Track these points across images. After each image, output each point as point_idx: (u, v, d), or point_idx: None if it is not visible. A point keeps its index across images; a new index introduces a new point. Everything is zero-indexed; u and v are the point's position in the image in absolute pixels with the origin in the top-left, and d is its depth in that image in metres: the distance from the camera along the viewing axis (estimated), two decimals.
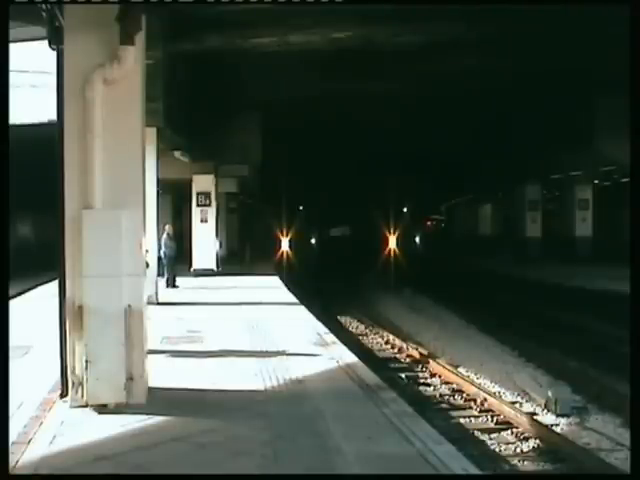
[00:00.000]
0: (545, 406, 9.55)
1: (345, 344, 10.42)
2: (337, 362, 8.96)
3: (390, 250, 34.04)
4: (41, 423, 6.26)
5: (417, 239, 55.71)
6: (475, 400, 9.93)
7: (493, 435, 8.57)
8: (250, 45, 14.59)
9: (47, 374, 7.65)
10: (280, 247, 34.80)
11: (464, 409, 9.73)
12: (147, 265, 13.51)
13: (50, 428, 6.11)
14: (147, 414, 6.43)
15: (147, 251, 14.05)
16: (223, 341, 10.52)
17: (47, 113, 12.87)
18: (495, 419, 9.11)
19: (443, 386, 11.04)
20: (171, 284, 18.62)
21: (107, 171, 6.69)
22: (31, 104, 15.85)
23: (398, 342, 14.46)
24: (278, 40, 14.21)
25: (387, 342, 14.97)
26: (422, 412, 7.35)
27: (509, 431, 8.66)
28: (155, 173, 14.65)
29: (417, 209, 52.33)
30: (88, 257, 6.56)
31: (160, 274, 17.03)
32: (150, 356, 7.37)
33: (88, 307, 6.53)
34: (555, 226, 33.74)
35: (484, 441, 8.39)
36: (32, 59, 13.77)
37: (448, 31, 13.79)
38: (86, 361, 6.50)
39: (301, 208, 49.86)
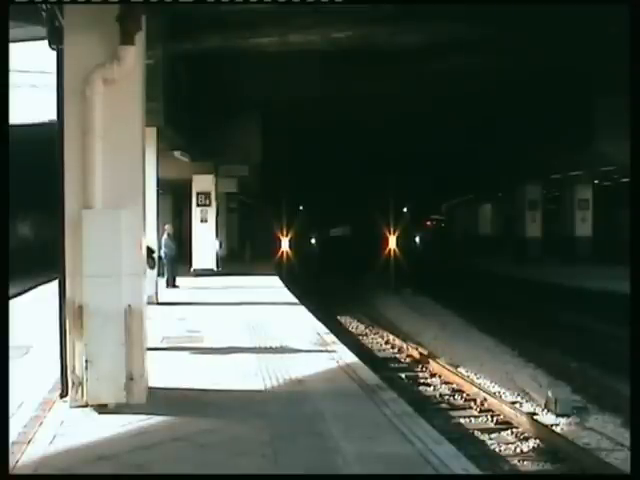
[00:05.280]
0: (545, 406, 9.55)
1: (345, 344, 10.42)
2: (337, 362, 8.96)
3: (390, 250, 34.04)
4: (41, 423, 6.25)
5: (417, 239, 55.74)
6: (475, 400, 9.93)
7: (493, 435, 8.57)
8: (250, 45, 14.59)
9: (47, 374, 7.65)
10: (280, 247, 34.82)
11: (464, 409, 9.73)
12: (153, 262, 13.61)
13: (50, 428, 6.10)
14: (147, 414, 6.43)
15: (153, 251, 14.31)
16: (223, 341, 10.52)
17: (47, 113, 12.86)
18: (495, 419, 9.11)
19: (443, 386, 11.04)
20: (171, 284, 18.64)
21: (107, 171, 6.69)
22: (31, 104, 15.84)
23: (398, 342, 14.46)
24: (278, 40, 14.21)
25: (387, 342, 14.97)
26: (422, 412, 7.34)
27: (509, 431, 8.66)
28: (155, 173, 14.67)
29: (417, 209, 52.32)
30: (88, 257, 6.55)
31: (160, 274, 17.03)
32: (150, 356, 7.36)
33: (88, 307, 6.53)
34: (555, 226, 33.75)
35: (484, 441, 8.39)
36: (32, 59, 13.76)
37: (448, 31, 13.79)
38: (86, 361, 6.50)
39: (301, 208, 49.89)
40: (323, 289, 24.74)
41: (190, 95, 17.78)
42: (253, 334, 11.19)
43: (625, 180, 26.70)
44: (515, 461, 7.71)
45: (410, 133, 27.51)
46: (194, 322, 12.55)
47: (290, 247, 35.32)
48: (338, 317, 18.73)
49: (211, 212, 24.07)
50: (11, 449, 5.30)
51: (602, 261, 27.09)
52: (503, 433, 8.64)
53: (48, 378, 7.53)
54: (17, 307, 12.99)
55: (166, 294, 16.60)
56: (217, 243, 24.47)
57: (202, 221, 24.00)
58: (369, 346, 14.81)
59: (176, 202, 32.22)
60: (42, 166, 8.72)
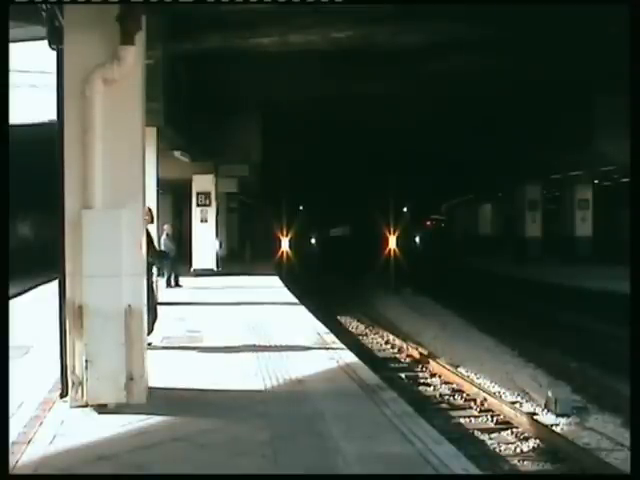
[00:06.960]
0: (545, 406, 9.55)
1: (345, 344, 10.41)
2: (337, 362, 8.95)
3: (390, 250, 34.05)
4: (41, 423, 6.24)
5: (417, 239, 55.78)
6: (475, 400, 9.93)
7: (493, 435, 8.57)
8: (250, 45, 14.58)
9: (47, 374, 7.64)
10: (280, 247, 34.84)
11: (464, 409, 9.73)
12: (167, 257, 13.99)
13: (50, 428, 6.09)
14: (147, 414, 6.42)
15: (166, 252, 14.98)
16: (223, 341, 10.51)
17: (47, 113, 12.86)
18: (495, 419, 9.11)
19: (443, 386, 11.04)
20: (174, 284, 18.71)
21: (107, 171, 6.67)
22: (31, 104, 15.85)
23: (398, 342, 14.47)
24: (278, 40, 14.21)
25: (387, 342, 14.98)
26: (422, 412, 7.34)
27: (509, 431, 8.66)
28: (155, 173, 14.65)
29: (417, 209, 52.34)
30: (88, 257, 6.55)
31: (160, 274, 17.03)
32: (150, 356, 7.36)
33: (88, 307, 6.52)
34: (555, 226, 33.76)
35: (484, 441, 8.39)
36: (32, 59, 13.77)
37: (448, 31, 13.79)
38: (86, 361, 6.49)
39: (301, 208, 49.92)
40: (323, 289, 24.74)
41: (190, 95, 17.78)
42: (253, 334, 11.18)
43: (625, 180, 26.70)
44: (515, 461, 7.71)
45: (410, 133, 27.51)
46: (194, 322, 12.55)
47: (290, 247, 35.35)
48: (338, 317, 18.74)
49: (211, 212, 24.09)
50: (11, 449, 5.29)
51: (602, 261, 27.09)
52: (503, 433, 8.64)
53: (48, 378, 7.52)
54: (17, 307, 12.99)
55: (166, 294, 16.59)
56: (217, 243, 24.48)
57: (202, 221, 24.02)
58: (369, 346, 14.81)
59: (176, 202, 32.24)
60: (42, 166, 8.71)
